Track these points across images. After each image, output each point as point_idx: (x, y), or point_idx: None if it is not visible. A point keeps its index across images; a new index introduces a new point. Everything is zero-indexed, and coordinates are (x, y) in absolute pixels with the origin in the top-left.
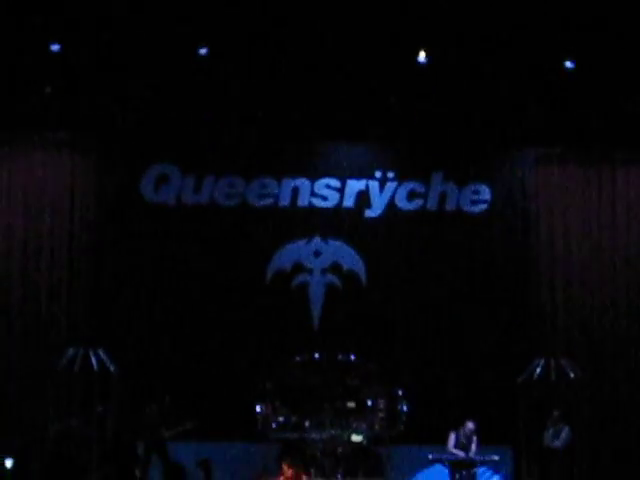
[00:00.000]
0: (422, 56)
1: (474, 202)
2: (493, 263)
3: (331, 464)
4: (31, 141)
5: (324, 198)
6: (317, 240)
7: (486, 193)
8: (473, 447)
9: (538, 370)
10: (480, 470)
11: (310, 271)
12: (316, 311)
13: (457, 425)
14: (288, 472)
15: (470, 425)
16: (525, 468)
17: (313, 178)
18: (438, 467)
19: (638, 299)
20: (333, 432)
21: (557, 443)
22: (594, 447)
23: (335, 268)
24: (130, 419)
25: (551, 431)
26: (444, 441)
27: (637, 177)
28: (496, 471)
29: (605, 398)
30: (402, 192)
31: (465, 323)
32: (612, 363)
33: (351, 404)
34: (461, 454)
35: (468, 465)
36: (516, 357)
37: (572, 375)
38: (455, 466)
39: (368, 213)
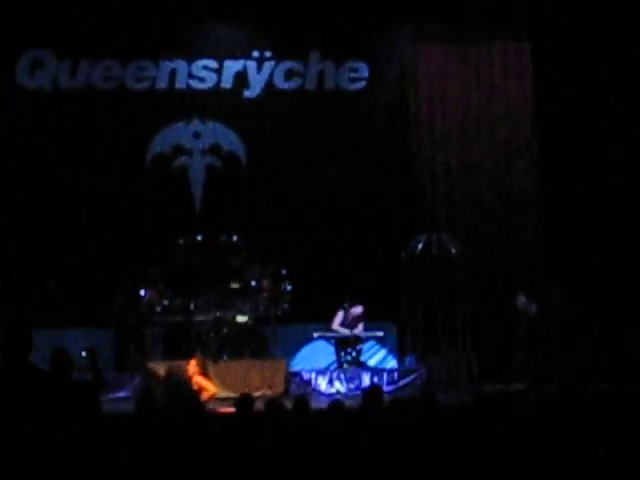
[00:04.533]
0: None
1: (353, 80)
2: (373, 141)
3: (217, 345)
4: None
5: (202, 79)
6: (196, 122)
7: (364, 70)
8: (360, 327)
9: (420, 246)
10: (366, 345)
11: (190, 153)
12: (197, 193)
13: (341, 302)
14: (194, 368)
15: (358, 309)
16: (409, 342)
17: (190, 59)
18: (322, 343)
19: (518, 177)
20: (218, 314)
21: (533, 308)
22: (475, 317)
23: (215, 149)
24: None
25: (527, 299)
26: (329, 319)
27: (514, 52)
28: (383, 344)
29: (485, 272)
30: (280, 71)
31: (347, 202)
32: (491, 238)
33: (235, 285)
34: (346, 331)
35: (353, 342)
36: (398, 234)
37: (453, 250)
38: (341, 343)
39: (246, 94)
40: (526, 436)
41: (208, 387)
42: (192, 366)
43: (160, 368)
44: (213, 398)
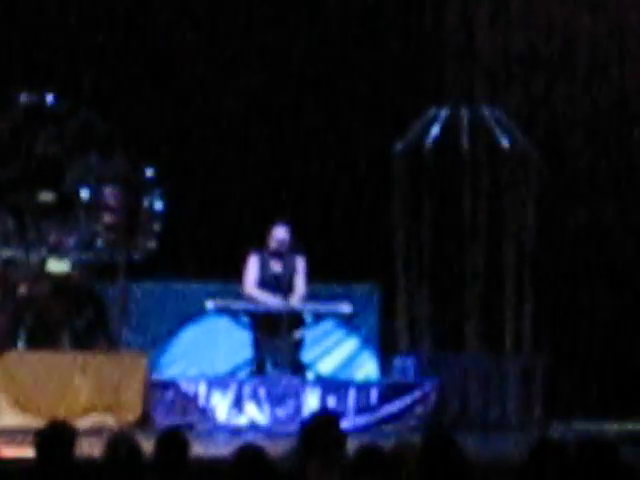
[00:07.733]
0: None
1: None
2: None
3: (4, 320)
4: None
5: None
6: None
7: None
8: (299, 283)
9: (436, 130)
10: (315, 331)
11: None
12: None
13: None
14: None
15: (280, 232)
16: (405, 329)
17: None
18: (224, 323)
19: None
20: (10, 254)
21: None
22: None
23: None
24: None
25: None
26: (239, 273)
27: None
28: (351, 329)
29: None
30: None
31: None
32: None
33: (47, 196)
34: (273, 301)
35: (290, 322)
36: (396, 109)
37: (505, 143)
38: (262, 324)
39: None
40: None
41: None
42: None
43: None
44: None
